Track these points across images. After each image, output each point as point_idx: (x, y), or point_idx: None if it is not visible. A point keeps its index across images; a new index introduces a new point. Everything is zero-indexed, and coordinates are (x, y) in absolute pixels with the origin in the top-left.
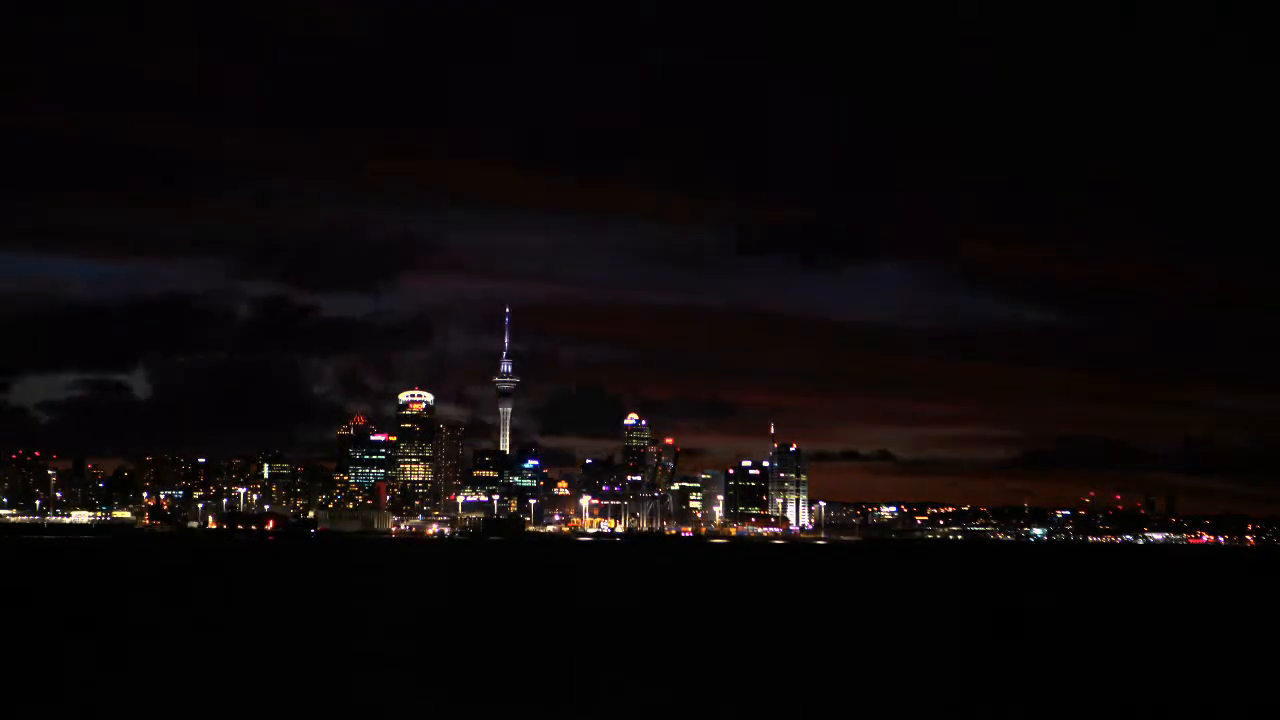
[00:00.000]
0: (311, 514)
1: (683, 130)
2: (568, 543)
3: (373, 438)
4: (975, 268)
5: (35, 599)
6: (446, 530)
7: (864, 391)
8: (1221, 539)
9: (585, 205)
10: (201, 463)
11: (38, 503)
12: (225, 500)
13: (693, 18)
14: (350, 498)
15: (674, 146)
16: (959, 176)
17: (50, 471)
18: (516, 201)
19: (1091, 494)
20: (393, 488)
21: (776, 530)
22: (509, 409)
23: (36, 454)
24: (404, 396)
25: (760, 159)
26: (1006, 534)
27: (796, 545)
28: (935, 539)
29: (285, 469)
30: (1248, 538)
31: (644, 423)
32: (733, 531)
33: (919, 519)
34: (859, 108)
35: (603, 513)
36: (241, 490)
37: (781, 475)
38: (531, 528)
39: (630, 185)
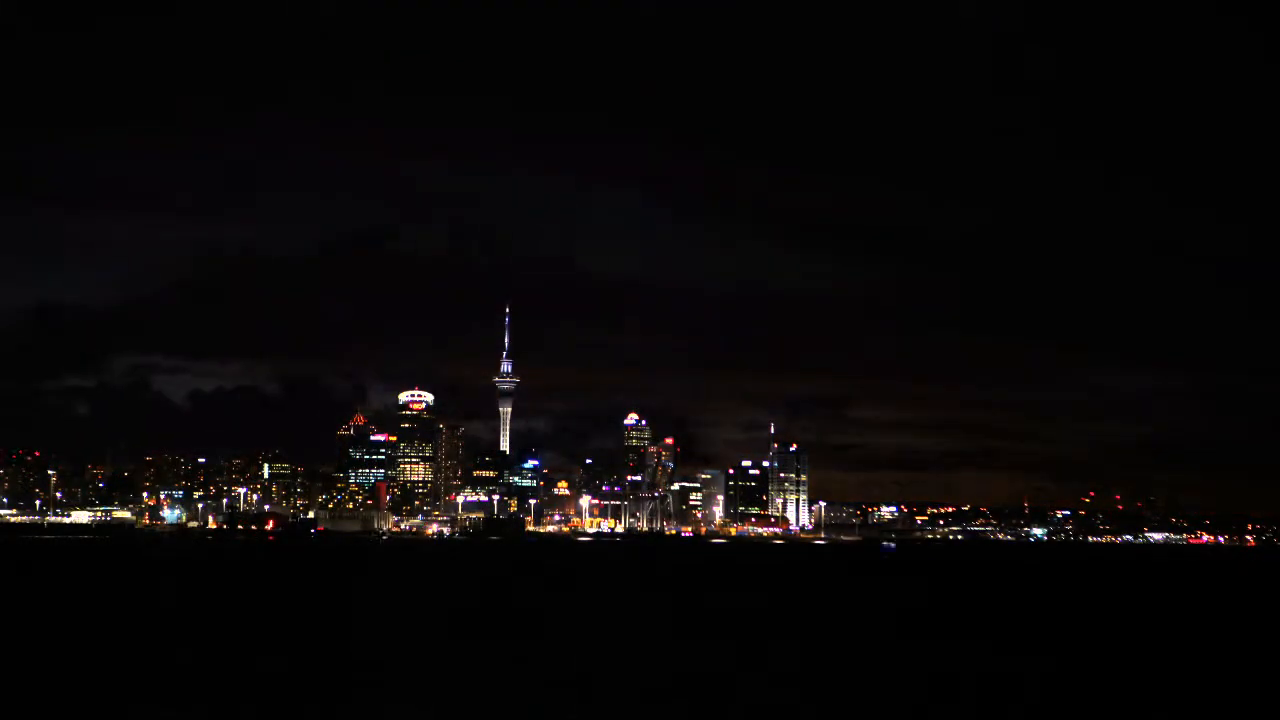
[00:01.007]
0: (312, 514)
1: None
2: (568, 543)
3: (373, 438)
4: None
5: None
6: (446, 530)
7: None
8: (1221, 539)
9: None
10: (202, 463)
11: (38, 503)
12: (225, 500)
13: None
14: (350, 498)
15: None
16: None
17: (50, 471)
18: None
19: (1091, 494)
20: (393, 488)
21: (776, 530)
22: (509, 409)
23: (37, 454)
24: (404, 396)
25: None
26: (1007, 534)
27: (790, 545)
28: (935, 539)
29: (285, 469)
30: (1248, 538)
31: (644, 422)
32: (732, 531)
33: (919, 519)
34: None
35: (603, 513)
36: (241, 490)
37: (781, 475)
38: (531, 528)
39: None
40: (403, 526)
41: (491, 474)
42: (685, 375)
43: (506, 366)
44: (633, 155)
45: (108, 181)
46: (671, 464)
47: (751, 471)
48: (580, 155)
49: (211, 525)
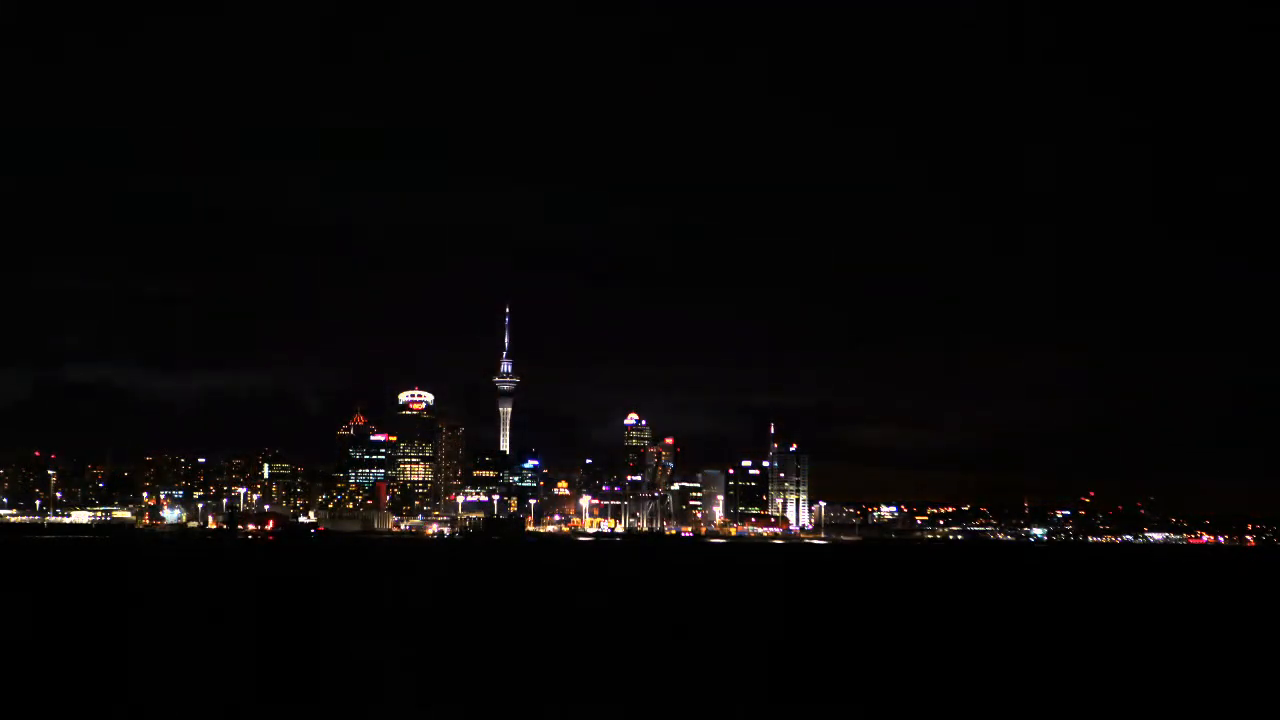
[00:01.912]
0: (312, 514)
1: None
2: (568, 543)
3: (373, 438)
4: None
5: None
6: (446, 530)
7: None
8: (1221, 539)
9: None
10: (202, 463)
11: (38, 503)
12: (225, 500)
13: None
14: (350, 498)
15: None
16: None
17: (50, 471)
18: None
19: (1091, 494)
20: (393, 488)
21: (776, 530)
22: (509, 409)
23: (37, 454)
24: (404, 396)
25: None
26: (1007, 534)
27: (789, 545)
28: (935, 539)
29: (285, 469)
30: (1248, 538)
31: (644, 422)
32: (732, 532)
33: (919, 519)
34: None
35: (603, 513)
36: (241, 490)
37: (781, 475)
38: (531, 528)
39: None
40: (403, 526)
41: (491, 474)
42: (686, 374)
43: (506, 366)
44: (634, 158)
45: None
46: (671, 464)
47: (751, 471)
48: (584, 159)
49: (212, 525)
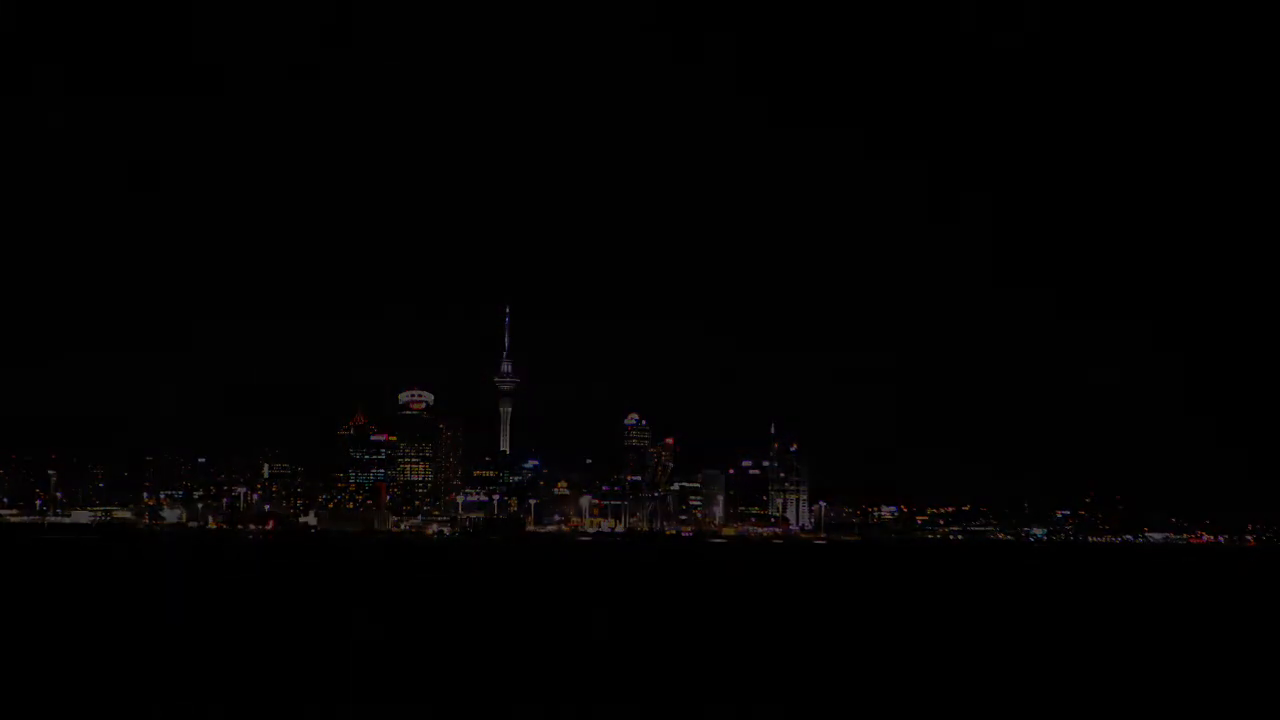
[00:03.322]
0: (312, 514)
1: None
2: (568, 542)
3: (373, 438)
4: None
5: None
6: (446, 530)
7: None
8: (1221, 539)
9: None
10: (201, 462)
11: (38, 503)
12: (225, 500)
13: None
14: (350, 498)
15: None
16: None
17: (50, 471)
18: None
19: (1091, 494)
20: (393, 488)
21: (776, 530)
22: (509, 409)
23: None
24: (404, 396)
25: None
26: (1007, 534)
27: (788, 545)
28: (935, 539)
29: (285, 469)
30: (1248, 538)
31: (644, 422)
32: (730, 532)
33: (919, 519)
34: None
35: (603, 513)
36: (241, 490)
37: (782, 475)
38: (532, 528)
39: None
40: (403, 527)
41: (491, 474)
42: (686, 374)
43: (506, 367)
44: (631, 156)
45: None
46: (671, 464)
47: (752, 472)
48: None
49: (212, 525)
